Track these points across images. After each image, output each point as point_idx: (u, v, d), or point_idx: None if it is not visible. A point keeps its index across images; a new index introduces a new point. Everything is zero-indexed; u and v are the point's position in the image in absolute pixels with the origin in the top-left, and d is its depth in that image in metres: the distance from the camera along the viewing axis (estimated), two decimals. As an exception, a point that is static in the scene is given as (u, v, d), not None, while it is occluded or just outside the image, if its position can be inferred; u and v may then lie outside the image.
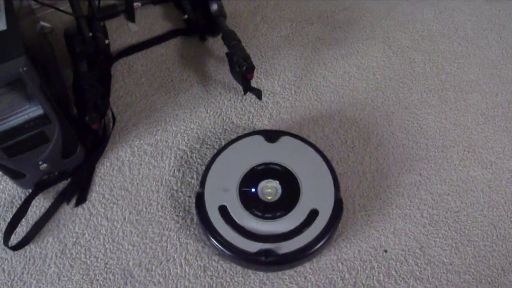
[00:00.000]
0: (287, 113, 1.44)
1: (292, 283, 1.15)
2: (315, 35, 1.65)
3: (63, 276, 1.15)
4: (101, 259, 1.17)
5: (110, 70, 1.49)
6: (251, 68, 1.33)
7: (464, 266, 1.20)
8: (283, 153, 1.25)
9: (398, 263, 1.19)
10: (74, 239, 1.20)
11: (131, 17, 1.64)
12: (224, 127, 1.40)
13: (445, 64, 1.60)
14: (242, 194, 1.19)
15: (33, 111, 1.07)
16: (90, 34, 1.44)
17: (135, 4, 1.64)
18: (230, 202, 1.17)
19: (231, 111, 1.43)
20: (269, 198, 1.18)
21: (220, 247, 1.12)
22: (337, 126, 1.42)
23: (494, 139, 1.43)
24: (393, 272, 1.18)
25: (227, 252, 1.11)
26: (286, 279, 1.15)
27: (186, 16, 1.58)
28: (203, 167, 1.31)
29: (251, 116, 1.42)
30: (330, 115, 1.45)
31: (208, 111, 1.43)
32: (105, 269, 1.16)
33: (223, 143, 1.36)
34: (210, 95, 1.46)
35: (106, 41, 1.48)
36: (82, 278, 1.15)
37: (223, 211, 1.16)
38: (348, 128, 1.42)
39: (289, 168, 1.22)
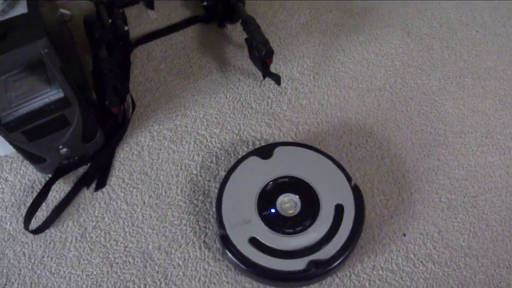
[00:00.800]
0: (305, 99, 1.44)
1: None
2: (334, 22, 1.65)
3: (83, 260, 1.16)
4: (120, 243, 1.18)
5: (130, 57, 1.50)
6: (270, 53, 1.34)
7: (482, 250, 1.21)
8: (284, 164, 1.23)
9: (416, 246, 1.20)
10: (94, 223, 1.21)
11: (150, 5, 1.65)
12: (244, 112, 1.40)
13: (463, 51, 1.60)
14: (264, 218, 1.15)
15: (54, 94, 1.08)
16: (110, 20, 1.44)
17: (154, -9, 1.65)
18: (258, 231, 1.13)
19: (250, 96, 1.44)
20: (290, 212, 1.16)
21: (267, 279, 1.10)
22: (355, 111, 1.42)
23: (512, 125, 1.43)
24: (412, 256, 1.18)
25: (277, 280, 1.10)
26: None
27: (205, 3, 1.58)
28: (222, 151, 1.32)
29: (270, 101, 1.43)
30: (348, 101, 1.45)
31: (227, 97, 1.43)
32: (125, 252, 1.17)
33: (242, 128, 1.37)
34: (229, 81, 1.47)
35: (126, 28, 1.48)
36: (102, 261, 1.16)
37: (255, 242, 1.12)
38: (366, 113, 1.42)
39: (296, 176, 1.20)
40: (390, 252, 1.18)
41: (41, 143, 1.15)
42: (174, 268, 1.15)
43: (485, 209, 1.27)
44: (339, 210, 1.14)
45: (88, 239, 1.19)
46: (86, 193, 1.26)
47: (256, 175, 1.21)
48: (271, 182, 1.19)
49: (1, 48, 1.00)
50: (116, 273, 1.15)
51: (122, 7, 1.59)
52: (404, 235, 1.21)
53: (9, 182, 1.28)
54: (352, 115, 1.42)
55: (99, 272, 1.15)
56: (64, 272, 1.15)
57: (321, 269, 1.08)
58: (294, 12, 1.67)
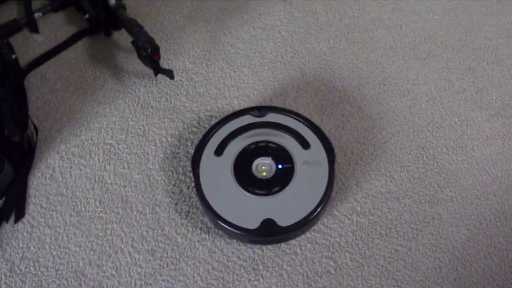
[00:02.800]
0: (202, 87, 1.45)
1: (241, 245, 1.17)
2: (217, 7, 1.67)
3: (17, 294, 1.15)
4: (51, 267, 1.17)
5: (23, 84, 1.48)
6: (155, 49, 1.35)
7: (402, 191, 1.25)
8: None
9: (338, 202, 1.23)
10: (20, 255, 1.19)
11: (34, 29, 1.62)
12: (145, 113, 1.40)
13: (346, 8, 1.64)
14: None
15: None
16: (-5, 52, 1.43)
17: (36, 15, 1.62)
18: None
19: (148, 96, 1.44)
20: (264, 174, 1.20)
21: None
22: (252, 87, 1.44)
23: (407, 67, 1.47)
24: (336, 212, 1.21)
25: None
26: (234, 242, 1.18)
27: (87, 16, 1.57)
28: (132, 155, 1.32)
29: (168, 97, 1.43)
30: (244, 79, 1.47)
31: (127, 102, 1.43)
32: (57, 276, 1.16)
33: (147, 128, 1.37)
34: (126, 86, 1.46)
35: (13, 56, 1.47)
36: (37, 290, 1.15)
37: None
38: (263, 87, 1.44)
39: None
40: (313, 214, 1.21)
41: None
42: (109, 279, 1.15)
43: (396, 152, 1.31)
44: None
45: (18, 272, 1.17)
46: (7, 227, 1.24)
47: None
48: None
49: None
50: (52, 298, 1.14)
51: (6, 37, 1.57)
52: (324, 194, 1.24)
53: None
54: (250, 92, 1.44)
55: (35, 302, 1.14)
56: (0, 311, 1.13)
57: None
58: (176, 6, 1.67)
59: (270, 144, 1.24)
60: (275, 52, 1.53)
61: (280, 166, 1.21)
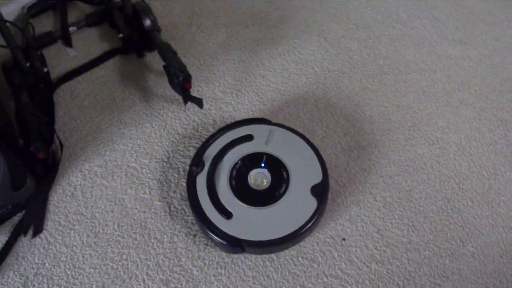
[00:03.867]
0: (230, 118, 1.44)
1: (256, 284, 1.15)
2: (251, 37, 1.67)
3: (28, 310, 1.14)
4: (64, 286, 1.16)
5: (52, 98, 1.48)
6: (187, 78, 1.34)
7: (423, 242, 1.22)
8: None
9: (357, 249, 1.21)
10: (35, 270, 1.19)
11: (68, 42, 1.63)
12: (171, 139, 1.40)
13: (381, 48, 1.63)
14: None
15: (-26, 145, 1.06)
16: (28, 64, 1.43)
17: (71, 28, 1.63)
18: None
19: (175, 122, 1.43)
20: (265, 182, 1.22)
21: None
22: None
23: (438, 114, 1.46)
24: (354, 259, 1.19)
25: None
26: (249, 280, 1.16)
27: (121, 35, 1.57)
28: (154, 181, 1.31)
29: (195, 125, 1.43)
30: (274, 113, 1.46)
31: (153, 126, 1.43)
32: (70, 296, 1.16)
33: (171, 155, 1.36)
34: (154, 110, 1.46)
35: (45, 69, 1.47)
36: (47, 308, 1.14)
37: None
38: (292, 123, 1.43)
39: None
40: (332, 259, 1.19)
41: (-30, 198, 1.13)
42: (120, 305, 1.14)
43: (421, 202, 1.29)
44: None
45: (31, 287, 1.17)
46: (24, 241, 1.24)
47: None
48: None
49: None
50: (63, 318, 1.13)
51: (40, 48, 1.57)
52: (344, 239, 1.22)
53: None
54: (279, 127, 1.42)
55: (45, 320, 1.13)
56: (10, 325, 1.13)
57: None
58: (211, 32, 1.68)
59: (237, 165, 1.25)
60: (306, 88, 1.52)
61: (263, 165, 1.24)
